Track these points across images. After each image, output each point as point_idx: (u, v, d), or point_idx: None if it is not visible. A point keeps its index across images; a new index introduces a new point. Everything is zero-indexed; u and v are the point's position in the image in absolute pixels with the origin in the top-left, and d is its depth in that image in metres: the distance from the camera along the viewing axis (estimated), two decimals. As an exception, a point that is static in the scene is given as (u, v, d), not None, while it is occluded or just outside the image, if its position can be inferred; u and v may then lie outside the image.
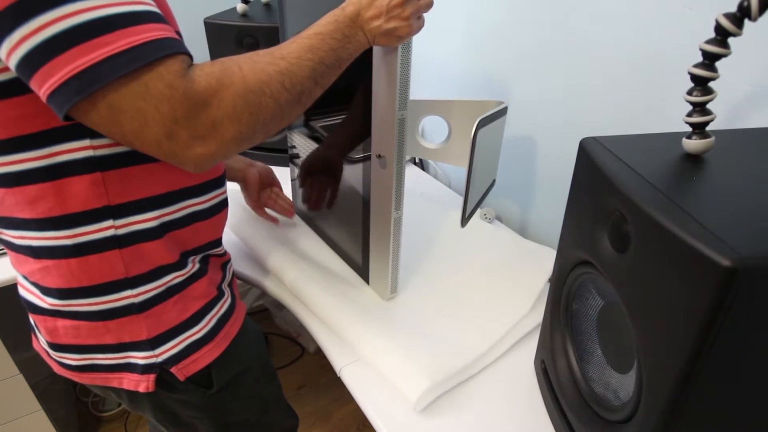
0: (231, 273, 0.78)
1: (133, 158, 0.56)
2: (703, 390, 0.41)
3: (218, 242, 0.71)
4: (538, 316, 0.82)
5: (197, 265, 0.67)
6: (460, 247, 0.99)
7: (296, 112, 0.57)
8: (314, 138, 0.93)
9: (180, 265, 0.64)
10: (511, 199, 1.12)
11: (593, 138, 0.54)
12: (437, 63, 1.23)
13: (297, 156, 1.02)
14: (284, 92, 0.54)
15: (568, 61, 0.89)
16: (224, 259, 0.75)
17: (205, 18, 1.21)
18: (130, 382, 0.64)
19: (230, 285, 0.75)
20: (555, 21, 0.89)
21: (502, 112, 0.83)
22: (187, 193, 0.63)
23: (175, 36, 0.49)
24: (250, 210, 1.08)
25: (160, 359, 0.63)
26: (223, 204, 0.70)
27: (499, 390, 0.72)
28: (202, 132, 0.49)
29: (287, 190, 1.17)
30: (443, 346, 0.75)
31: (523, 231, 1.09)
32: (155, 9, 0.49)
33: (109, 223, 0.57)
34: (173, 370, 0.64)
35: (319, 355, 1.73)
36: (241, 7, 1.24)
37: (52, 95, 0.44)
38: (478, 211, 1.11)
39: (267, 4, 1.33)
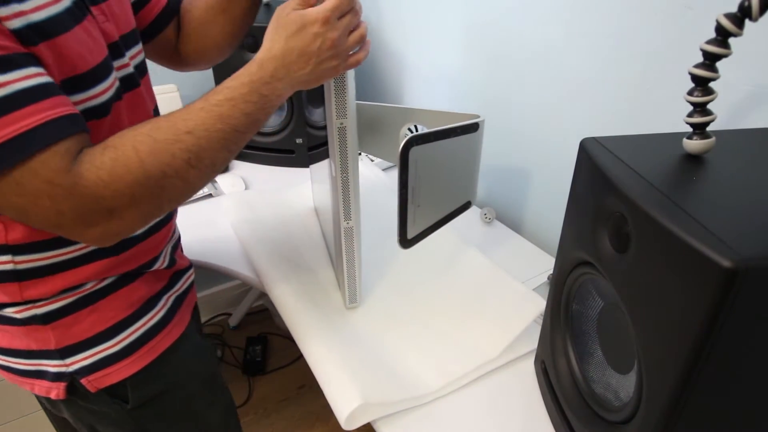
0: (186, 283, 0.74)
1: None
2: (703, 390, 0.41)
3: (153, 261, 0.66)
4: (504, 359, 0.76)
5: (118, 276, 0.62)
6: (445, 267, 0.93)
7: (210, 180, 0.54)
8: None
9: (92, 271, 0.59)
10: (512, 199, 1.11)
11: (593, 138, 0.54)
12: (437, 66, 1.23)
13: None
14: (191, 169, 0.50)
15: (568, 62, 0.89)
16: (174, 270, 0.71)
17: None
18: (41, 388, 0.62)
19: (178, 297, 0.71)
20: (554, 21, 0.89)
21: (469, 129, 0.73)
22: None
23: (64, 110, 0.45)
24: (251, 210, 1.08)
25: (70, 369, 0.61)
26: (153, 229, 0.65)
27: (499, 390, 0.72)
28: (97, 220, 0.47)
29: (297, 191, 1.17)
30: (389, 371, 0.72)
31: (523, 231, 1.09)
32: (38, 81, 0.44)
33: (8, 257, 0.54)
34: (83, 381, 0.61)
35: (319, 355, 1.73)
36: (241, 7, 1.24)
37: None
38: (479, 211, 1.11)
39: (267, 4, 1.32)
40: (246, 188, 1.21)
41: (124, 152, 0.47)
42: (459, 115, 0.75)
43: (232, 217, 1.07)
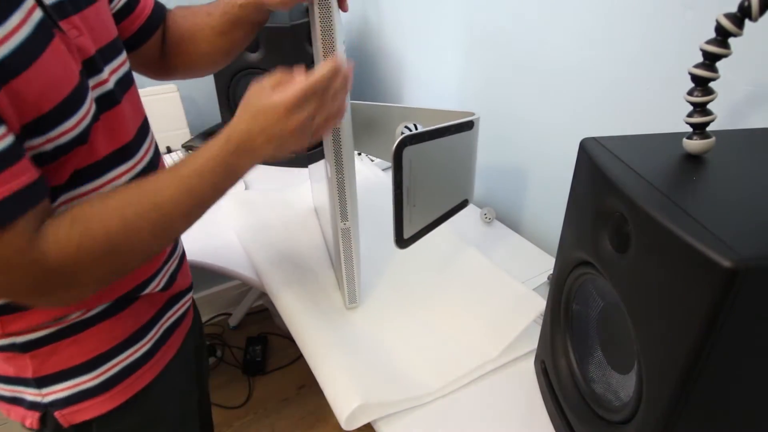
0: (183, 307, 0.72)
1: None
2: (703, 390, 0.41)
3: (147, 282, 0.63)
4: (504, 359, 0.76)
5: (108, 304, 0.60)
6: (446, 267, 0.93)
7: (166, 248, 0.55)
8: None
9: (82, 304, 0.57)
10: (512, 199, 1.11)
11: (593, 138, 0.54)
12: (436, 66, 1.23)
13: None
14: (155, 241, 0.51)
15: (568, 61, 0.89)
16: (171, 293, 0.68)
17: (205, 18, 1.21)
18: (17, 414, 0.61)
19: (172, 324, 0.69)
20: (554, 21, 0.89)
21: (464, 127, 0.73)
22: None
23: (25, 179, 0.42)
24: (251, 210, 1.08)
25: (45, 400, 0.59)
26: None
27: (499, 390, 0.72)
28: (54, 290, 0.47)
29: (297, 191, 1.17)
30: (389, 371, 0.72)
31: (523, 231, 1.09)
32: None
33: None
34: (57, 414, 0.60)
35: (319, 355, 1.73)
36: (241, 7, 1.24)
37: None
38: (479, 211, 1.11)
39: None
40: (246, 188, 1.21)
41: (93, 229, 0.46)
42: (454, 113, 0.75)
43: (232, 217, 1.07)
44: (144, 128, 0.64)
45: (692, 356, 0.39)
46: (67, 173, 0.51)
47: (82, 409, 0.61)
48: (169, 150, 1.34)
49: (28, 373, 0.58)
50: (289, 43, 1.14)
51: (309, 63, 1.17)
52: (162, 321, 0.68)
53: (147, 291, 0.64)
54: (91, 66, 0.53)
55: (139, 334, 0.64)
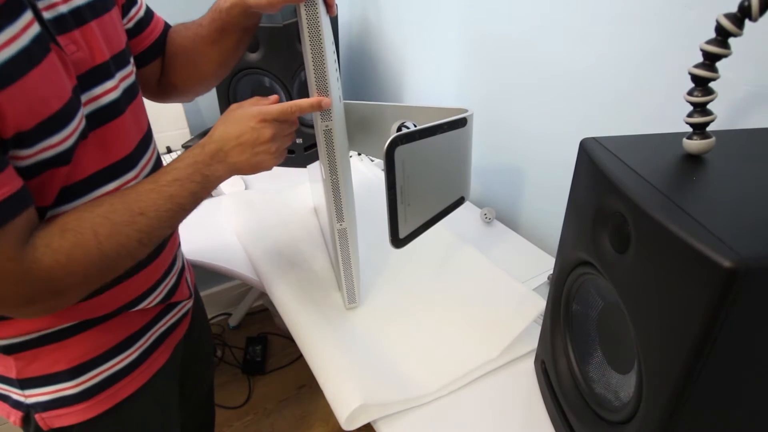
0: (178, 315, 0.71)
1: None
2: (703, 390, 0.41)
3: (138, 300, 0.63)
4: (504, 359, 0.76)
5: (95, 315, 0.59)
6: (445, 267, 0.93)
7: (149, 253, 0.56)
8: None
9: (64, 314, 0.57)
10: (511, 199, 1.11)
11: (593, 138, 0.54)
12: (437, 66, 1.23)
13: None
14: (141, 247, 0.52)
15: (568, 61, 0.89)
16: (163, 306, 0.68)
17: (205, 18, 1.21)
18: (2, 410, 0.62)
19: (163, 333, 0.68)
20: (554, 21, 0.89)
21: (457, 124, 0.72)
22: None
23: (10, 188, 0.43)
24: (251, 210, 1.07)
25: (27, 401, 0.60)
26: (133, 270, 0.61)
27: (499, 390, 0.72)
28: (42, 299, 0.47)
29: (297, 191, 1.17)
30: (389, 371, 0.72)
31: (522, 231, 1.09)
32: None
33: None
34: (37, 417, 0.60)
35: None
36: (241, 7, 1.24)
37: None
38: (478, 211, 1.11)
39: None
40: (246, 188, 1.21)
41: (84, 236, 0.47)
42: (448, 109, 0.74)
43: (232, 217, 1.07)
44: (146, 140, 0.64)
45: (692, 356, 0.39)
46: (54, 192, 0.50)
47: (62, 415, 0.61)
48: (169, 150, 1.34)
49: (12, 374, 0.58)
50: (287, 43, 1.14)
51: (302, 62, 1.17)
52: (154, 329, 0.67)
53: (141, 306, 0.63)
54: (99, 74, 0.53)
55: (128, 342, 0.63)
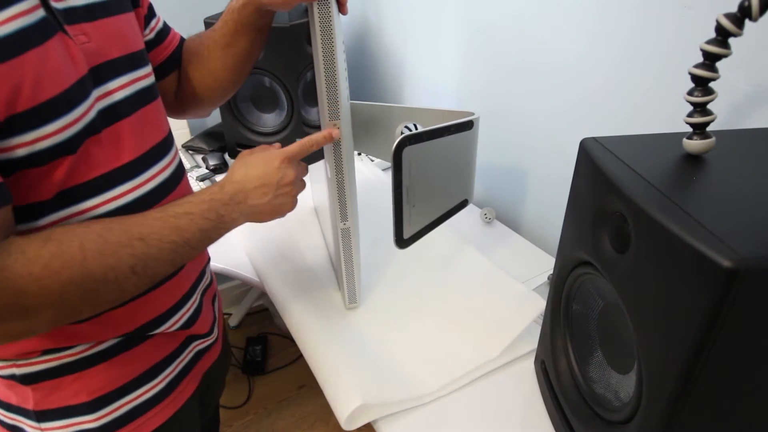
0: (203, 345, 0.67)
1: None
2: (703, 390, 0.41)
3: (160, 320, 0.58)
4: (504, 359, 0.75)
5: (115, 341, 0.56)
6: (446, 267, 0.93)
7: (141, 291, 0.50)
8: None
9: (79, 333, 0.53)
10: (512, 199, 1.11)
11: (593, 138, 0.54)
12: (437, 66, 1.23)
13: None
14: (133, 277, 0.47)
15: (567, 62, 0.89)
16: (187, 333, 0.63)
17: (206, 18, 1.21)
18: None
19: (188, 363, 0.64)
20: (554, 22, 0.89)
21: (464, 127, 0.73)
22: None
23: None
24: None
25: None
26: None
27: (499, 390, 0.72)
28: (6, 317, 0.41)
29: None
30: (389, 371, 0.72)
31: (523, 231, 1.09)
32: None
33: None
34: None
35: (319, 355, 1.73)
36: (241, 7, 1.24)
37: None
38: (479, 211, 1.11)
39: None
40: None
41: (68, 248, 0.43)
42: (454, 112, 0.75)
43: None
44: (163, 146, 0.60)
45: (692, 356, 0.39)
46: (53, 187, 0.47)
47: None
48: (169, 150, 1.34)
49: (29, 405, 0.55)
50: (290, 44, 1.14)
51: (309, 63, 1.18)
52: (181, 357, 0.63)
53: (161, 330, 0.59)
54: (112, 69, 0.52)
55: (153, 372, 0.59)
